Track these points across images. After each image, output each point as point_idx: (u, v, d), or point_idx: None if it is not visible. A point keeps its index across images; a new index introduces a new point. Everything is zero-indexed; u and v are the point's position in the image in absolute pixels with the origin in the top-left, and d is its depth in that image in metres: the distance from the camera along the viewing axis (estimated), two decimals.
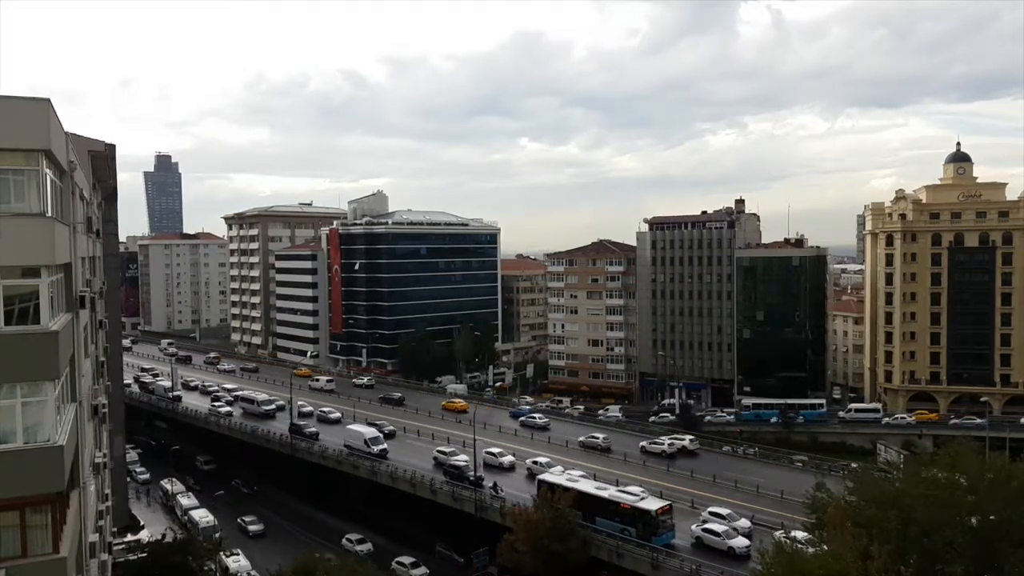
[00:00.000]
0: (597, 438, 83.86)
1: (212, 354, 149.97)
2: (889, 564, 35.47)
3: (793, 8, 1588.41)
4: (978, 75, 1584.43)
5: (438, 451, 77.42)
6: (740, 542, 53.27)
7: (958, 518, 37.15)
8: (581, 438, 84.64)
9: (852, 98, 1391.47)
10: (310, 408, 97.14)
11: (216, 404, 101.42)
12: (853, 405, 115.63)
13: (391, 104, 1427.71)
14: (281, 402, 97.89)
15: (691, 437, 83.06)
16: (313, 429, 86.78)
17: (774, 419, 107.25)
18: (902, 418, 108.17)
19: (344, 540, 69.84)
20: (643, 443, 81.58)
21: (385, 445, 78.36)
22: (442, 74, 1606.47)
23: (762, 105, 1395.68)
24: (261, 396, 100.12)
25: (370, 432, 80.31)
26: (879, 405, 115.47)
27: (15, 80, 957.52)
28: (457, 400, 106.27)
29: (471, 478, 67.82)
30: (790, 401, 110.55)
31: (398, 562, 64.40)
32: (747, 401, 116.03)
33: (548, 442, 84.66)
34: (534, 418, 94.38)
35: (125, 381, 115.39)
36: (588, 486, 60.86)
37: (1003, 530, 36.54)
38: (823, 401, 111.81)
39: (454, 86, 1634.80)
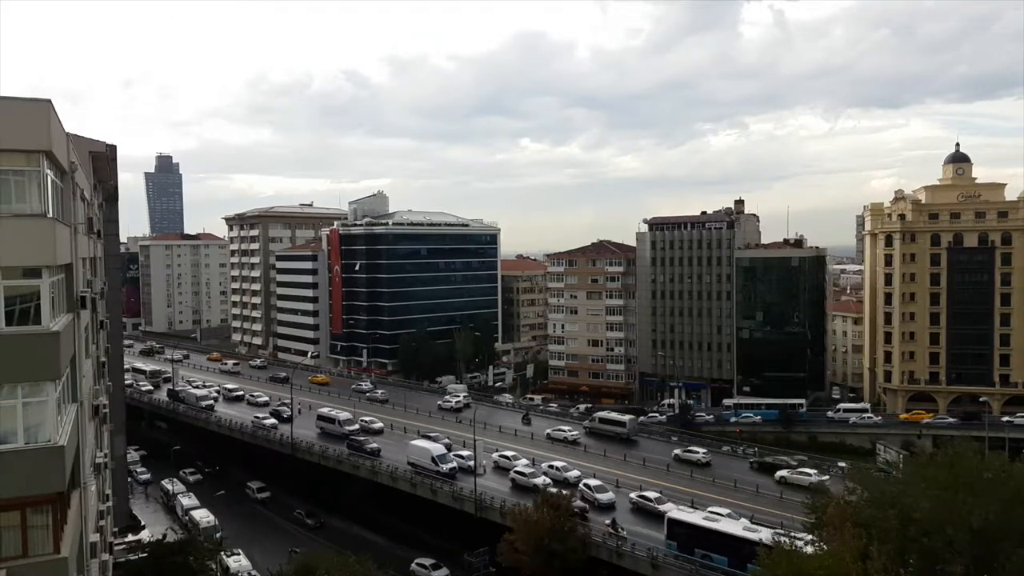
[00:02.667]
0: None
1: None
2: (889, 564, 35.48)
3: (796, 8, 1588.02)
4: (980, 75, 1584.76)
5: (516, 472, 69.88)
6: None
7: (958, 518, 37.14)
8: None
9: (854, 98, 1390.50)
10: (347, 415, 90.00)
11: (260, 417, 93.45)
12: (841, 405, 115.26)
13: (393, 104, 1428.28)
14: (356, 421, 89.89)
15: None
16: (374, 445, 79.55)
17: (756, 417, 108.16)
18: (869, 417, 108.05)
19: (415, 566, 64.58)
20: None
21: (455, 463, 71.57)
22: (444, 74, 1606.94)
23: (764, 105, 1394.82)
24: (343, 415, 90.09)
25: (437, 448, 73.48)
26: (867, 405, 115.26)
27: (16, 80, 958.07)
28: (319, 375, 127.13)
29: (576, 509, 58.35)
30: (770, 401, 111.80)
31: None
32: (728, 401, 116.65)
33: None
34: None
35: (145, 386, 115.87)
36: (735, 527, 52.77)
37: (1003, 530, 36.55)
38: (803, 401, 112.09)
39: (456, 86, 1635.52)
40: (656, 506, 60.57)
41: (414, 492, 71.60)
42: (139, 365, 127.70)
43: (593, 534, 56.82)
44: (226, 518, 75.68)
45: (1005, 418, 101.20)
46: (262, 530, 76.76)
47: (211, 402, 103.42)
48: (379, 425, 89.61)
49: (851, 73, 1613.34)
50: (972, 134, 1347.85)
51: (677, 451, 79.85)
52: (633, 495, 64.26)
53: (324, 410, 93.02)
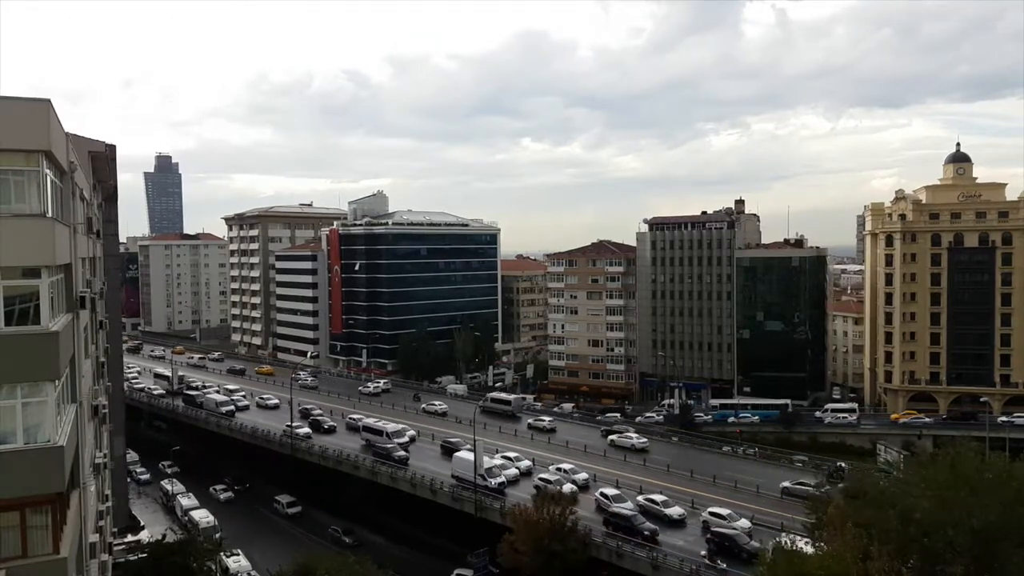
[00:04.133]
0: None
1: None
2: (889, 564, 35.49)
3: (798, 7, 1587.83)
4: (981, 75, 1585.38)
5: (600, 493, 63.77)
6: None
7: (959, 518, 37.13)
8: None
9: (855, 98, 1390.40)
10: (395, 427, 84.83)
11: (292, 426, 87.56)
12: (830, 405, 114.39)
13: (394, 104, 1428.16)
14: (412, 432, 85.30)
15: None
16: (402, 453, 76.90)
17: (731, 417, 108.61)
18: (843, 417, 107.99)
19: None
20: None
21: (503, 477, 67.64)
22: (445, 74, 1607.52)
23: (765, 105, 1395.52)
24: (391, 426, 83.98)
25: (484, 461, 68.92)
26: (855, 405, 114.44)
27: (17, 80, 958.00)
28: (264, 366, 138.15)
29: (646, 533, 55.43)
30: (751, 401, 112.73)
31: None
32: (714, 401, 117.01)
33: (548, 443, 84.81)
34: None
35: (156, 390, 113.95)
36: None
37: (1003, 530, 36.54)
38: (788, 402, 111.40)
39: (457, 86, 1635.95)
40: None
41: (414, 492, 71.55)
42: (160, 370, 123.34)
43: (593, 534, 56.69)
44: (249, 536, 70.80)
45: (1002, 419, 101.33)
46: (292, 550, 64.40)
47: (232, 408, 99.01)
48: (412, 433, 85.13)
49: (853, 73, 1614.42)
50: (973, 134, 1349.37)
51: (613, 437, 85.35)
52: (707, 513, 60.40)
53: (369, 420, 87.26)
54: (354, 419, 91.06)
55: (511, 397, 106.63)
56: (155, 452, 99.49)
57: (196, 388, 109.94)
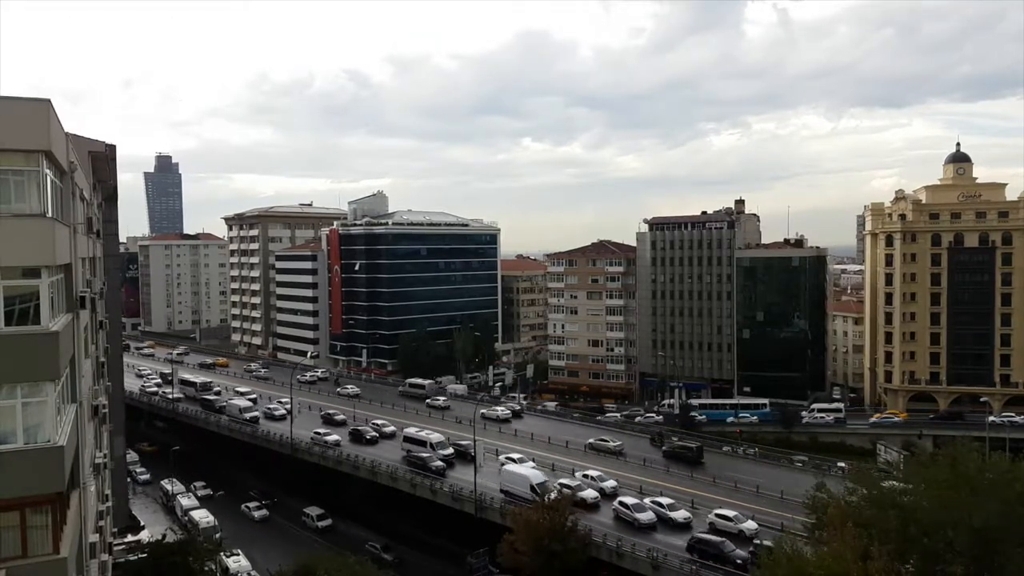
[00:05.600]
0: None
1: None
2: (889, 564, 35.47)
3: (800, 7, 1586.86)
4: (983, 75, 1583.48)
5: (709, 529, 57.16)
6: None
7: (959, 518, 37.14)
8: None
9: (857, 98, 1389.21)
10: (439, 437, 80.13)
11: (320, 433, 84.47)
12: (816, 405, 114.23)
13: (394, 104, 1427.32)
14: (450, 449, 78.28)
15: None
16: (439, 463, 72.78)
17: (704, 417, 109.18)
18: (821, 417, 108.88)
19: None
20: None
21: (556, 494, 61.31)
22: (446, 73, 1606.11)
23: (766, 105, 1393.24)
24: (435, 436, 79.43)
25: (536, 475, 64.56)
26: (841, 405, 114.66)
27: (17, 80, 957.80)
28: (220, 358, 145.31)
29: (738, 562, 50.50)
30: (731, 401, 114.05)
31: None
32: (692, 401, 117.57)
33: (548, 442, 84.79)
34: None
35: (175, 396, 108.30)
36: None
37: (1003, 530, 36.54)
38: (766, 401, 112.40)
39: (458, 86, 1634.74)
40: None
41: (414, 492, 71.54)
42: (187, 376, 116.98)
43: (593, 535, 56.69)
44: (286, 559, 61.52)
45: (992, 418, 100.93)
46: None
47: (257, 414, 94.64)
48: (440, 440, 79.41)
49: (854, 72, 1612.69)
50: (974, 134, 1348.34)
51: (484, 410, 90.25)
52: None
53: (411, 430, 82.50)
54: (380, 425, 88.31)
55: (425, 382, 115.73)
56: (157, 455, 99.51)
57: (215, 392, 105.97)
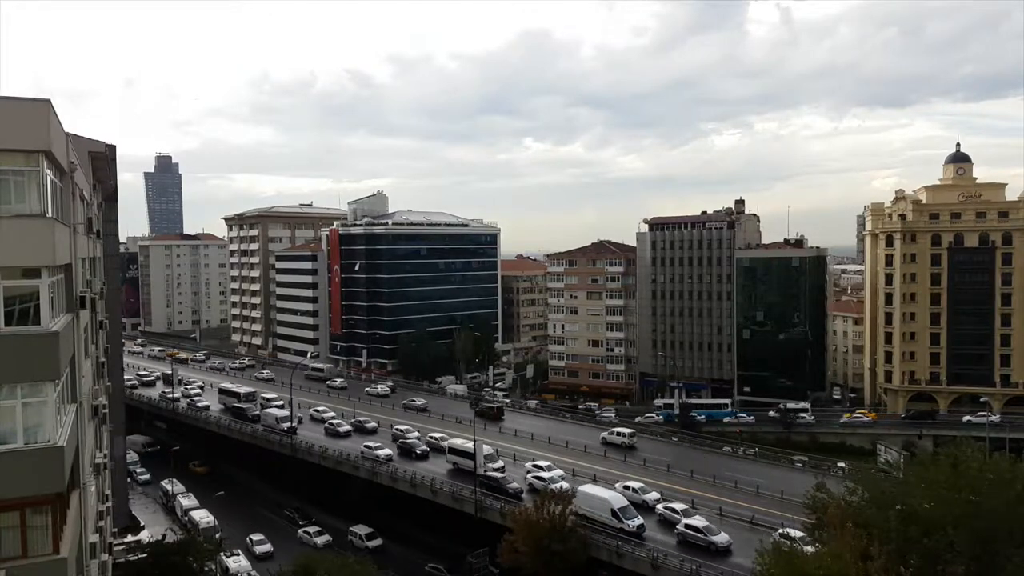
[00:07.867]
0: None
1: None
2: (889, 564, 35.48)
3: (802, 7, 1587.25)
4: (986, 74, 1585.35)
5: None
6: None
7: (959, 519, 37.12)
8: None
9: (859, 97, 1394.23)
10: (490, 449, 74.61)
11: (371, 447, 78.38)
12: (790, 404, 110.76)
13: (396, 104, 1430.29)
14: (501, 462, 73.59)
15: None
16: (516, 485, 66.47)
17: (663, 418, 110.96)
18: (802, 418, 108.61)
19: None
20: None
21: (641, 519, 57.64)
22: (448, 73, 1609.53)
23: (768, 104, 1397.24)
24: (486, 448, 73.08)
25: (617, 500, 59.23)
26: (807, 405, 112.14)
27: (18, 80, 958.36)
28: (174, 351, 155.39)
29: None
30: (694, 401, 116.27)
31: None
32: (658, 402, 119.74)
33: (548, 442, 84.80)
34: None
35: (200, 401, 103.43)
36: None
37: (1004, 530, 36.53)
38: (728, 401, 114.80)
39: (459, 86, 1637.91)
40: None
41: (414, 492, 71.52)
42: (228, 386, 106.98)
43: (594, 535, 56.74)
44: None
45: (967, 418, 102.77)
46: None
47: (294, 424, 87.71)
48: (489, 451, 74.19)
49: (857, 72, 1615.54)
50: (974, 134, 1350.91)
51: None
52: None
53: (457, 441, 76.75)
54: (401, 431, 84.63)
55: (325, 366, 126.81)
56: (156, 455, 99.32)
57: (248, 400, 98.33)
